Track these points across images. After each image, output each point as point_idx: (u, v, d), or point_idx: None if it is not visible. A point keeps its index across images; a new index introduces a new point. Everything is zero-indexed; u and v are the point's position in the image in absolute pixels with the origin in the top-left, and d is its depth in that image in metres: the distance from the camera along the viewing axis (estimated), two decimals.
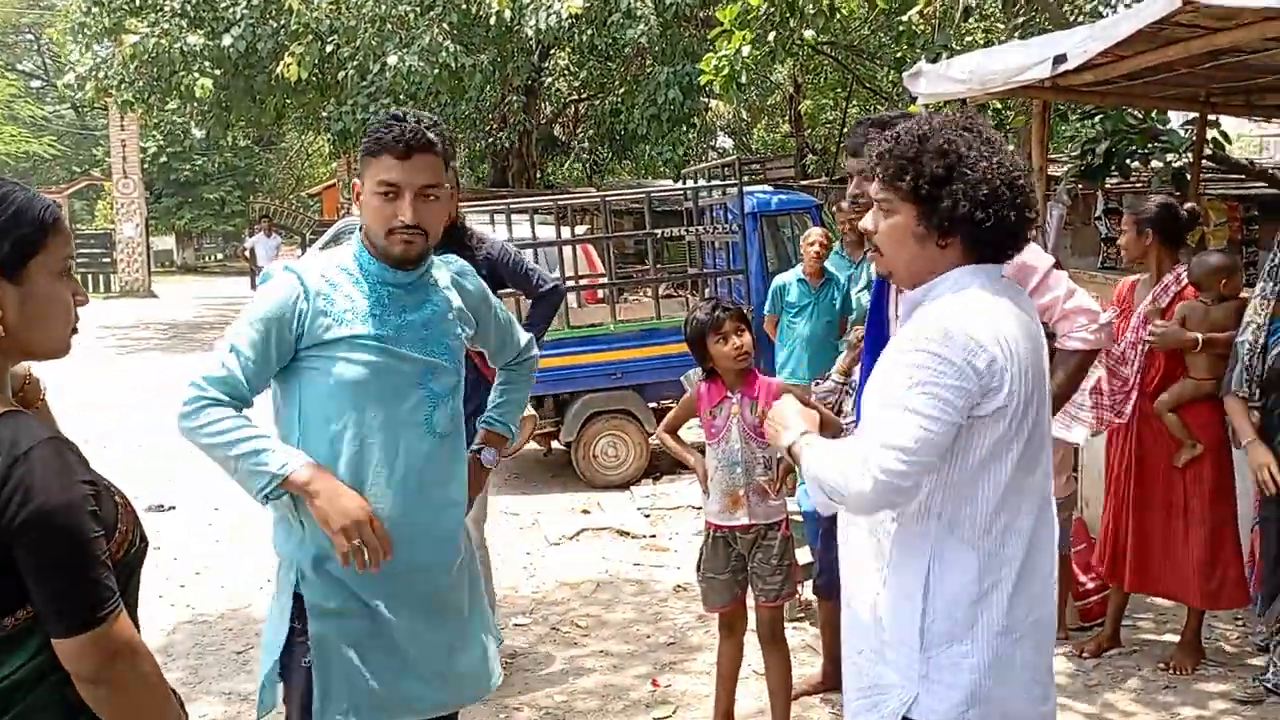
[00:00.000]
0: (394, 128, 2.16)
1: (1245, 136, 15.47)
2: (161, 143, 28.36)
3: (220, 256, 36.47)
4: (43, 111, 32.01)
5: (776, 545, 3.25)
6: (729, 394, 3.26)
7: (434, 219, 2.21)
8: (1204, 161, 7.03)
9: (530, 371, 2.67)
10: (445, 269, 2.38)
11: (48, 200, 1.47)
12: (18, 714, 1.38)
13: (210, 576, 5.08)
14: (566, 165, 20.50)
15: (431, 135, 2.18)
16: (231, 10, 12.55)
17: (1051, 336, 2.69)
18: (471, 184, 18.81)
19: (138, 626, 1.50)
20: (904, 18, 7.19)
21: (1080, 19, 8.56)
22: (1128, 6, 9.67)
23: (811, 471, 1.83)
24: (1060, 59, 4.60)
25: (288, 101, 14.85)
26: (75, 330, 1.53)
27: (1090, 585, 4.37)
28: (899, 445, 1.68)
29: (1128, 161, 7.50)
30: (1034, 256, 2.58)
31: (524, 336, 2.63)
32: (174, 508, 6.34)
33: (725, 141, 25.20)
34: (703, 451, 3.36)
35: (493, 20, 11.49)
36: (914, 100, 5.90)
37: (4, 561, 1.34)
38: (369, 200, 2.19)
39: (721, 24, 7.50)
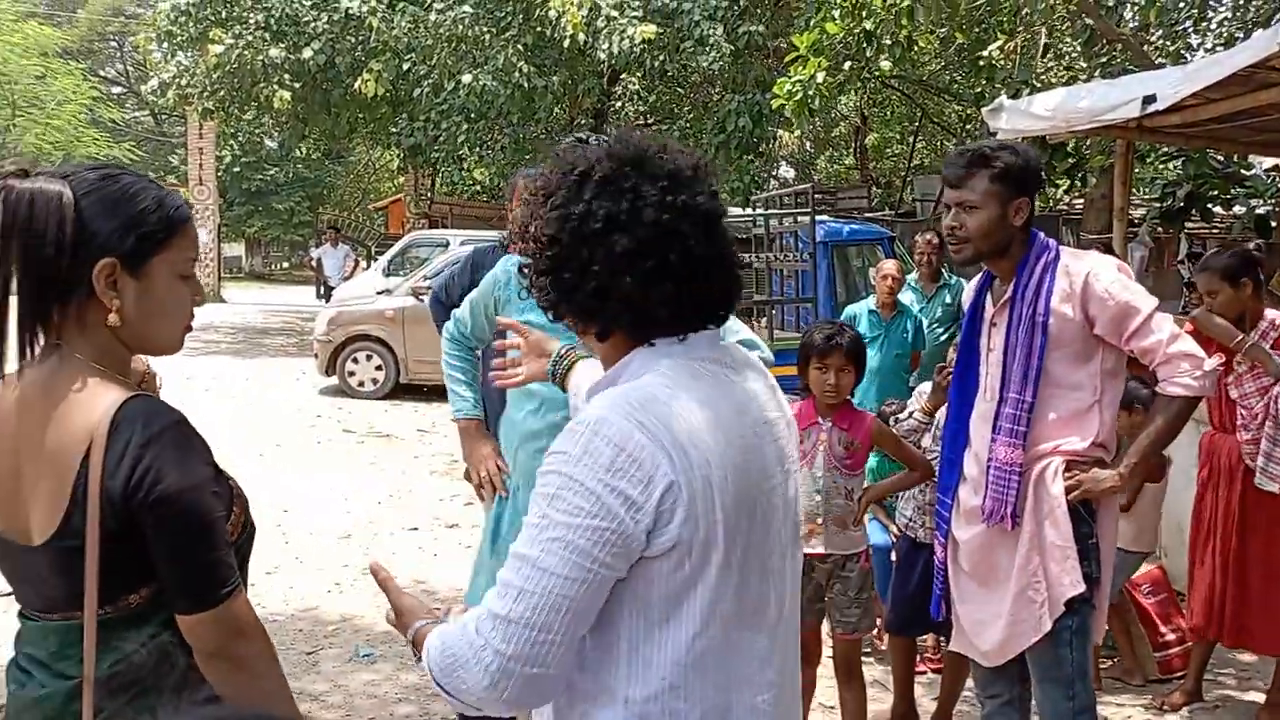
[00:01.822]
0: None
1: None
2: (236, 152, 29.05)
3: (286, 265, 37.22)
4: (123, 117, 32.97)
5: (855, 577, 3.22)
6: (819, 420, 3.24)
7: None
8: None
9: None
10: None
11: (180, 200, 1.51)
12: (141, 690, 1.41)
13: (280, 577, 5.16)
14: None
15: None
16: (313, 25, 12.87)
17: (1152, 380, 2.66)
18: None
19: None
20: (984, 53, 7.15)
21: (1161, 59, 8.46)
22: (1210, 51, 9.55)
23: (432, 673, 1.32)
24: (1150, 99, 4.56)
25: (361, 116, 15.15)
26: (189, 329, 1.57)
27: (1171, 636, 4.27)
28: (514, 618, 1.23)
29: (1209, 206, 7.37)
30: (1138, 297, 2.53)
31: (736, 339, 2.73)
32: None
33: (787, 171, 25.19)
34: None
35: (566, 43, 11.63)
36: (993, 134, 5.87)
37: (134, 540, 1.38)
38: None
39: (797, 49, 7.53)
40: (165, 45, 14.51)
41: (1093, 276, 2.53)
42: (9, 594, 1.51)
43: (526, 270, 1.42)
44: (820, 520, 3.20)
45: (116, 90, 36.25)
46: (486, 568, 2.73)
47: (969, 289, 2.92)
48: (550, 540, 1.23)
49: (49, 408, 1.40)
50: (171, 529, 1.38)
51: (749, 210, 10.04)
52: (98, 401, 1.39)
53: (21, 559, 1.44)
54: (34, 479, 1.40)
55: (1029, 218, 2.64)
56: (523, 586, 1.23)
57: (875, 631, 3.44)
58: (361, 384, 10.63)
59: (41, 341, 1.45)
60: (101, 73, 35.42)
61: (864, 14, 6.65)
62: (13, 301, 1.43)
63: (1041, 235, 2.67)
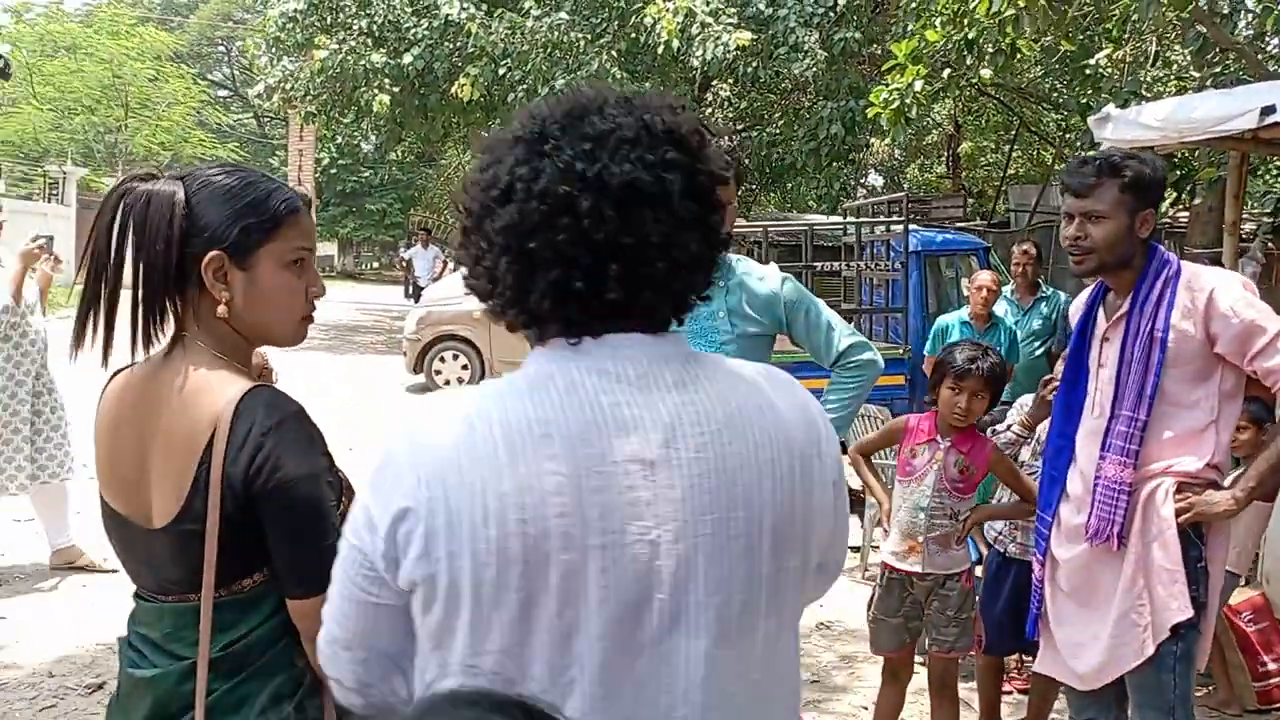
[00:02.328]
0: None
1: None
2: (334, 154, 29.88)
3: (377, 265, 38.10)
4: (228, 120, 34.16)
5: (955, 596, 3.16)
6: (938, 438, 3.16)
7: None
8: None
9: (857, 376, 2.71)
10: (740, 272, 2.63)
11: (290, 194, 1.54)
12: (252, 673, 1.46)
13: None
14: None
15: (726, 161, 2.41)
16: (413, 31, 13.16)
17: (1271, 401, 2.56)
18: None
19: None
20: (1090, 61, 6.97)
21: (1277, 69, 8.13)
22: None
23: None
24: (1269, 110, 4.39)
25: (455, 120, 15.43)
26: (307, 320, 1.59)
27: (1271, 666, 4.10)
28: (327, 624, 1.15)
29: None
30: (1264, 316, 2.44)
31: (847, 340, 2.71)
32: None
33: (876, 179, 24.87)
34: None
35: (660, 49, 11.69)
36: (1095, 145, 5.71)
37: (250, 526, 1.43)
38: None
39: (895, 57, 7.44)
40: (272, 50, 15.01)
41: (1217, 293, 2.46)
42: (114, 570, 1.58)
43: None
44: (921, 539, 3.13)
45: (223, 93, 37.60)
46: None
47: (1078, 302, 2.85)
48: (340, 557, 1.13)
49: (174, 395, 1.46)
50: (288, 515, 1.43)
51: (839, 218, 9.95)
52: (222, 390, 1.44)
53: (141, 542, 1.50)
54: (158, 464, 1.46)
55: (1152, 230, 2.58)
56: (330, 595, 1.14)
57: (974, 651, 3.36)
58: (448, 382, 10.86)
59: (160, 333, 1.51)
60: (209, 76, 36.78)
61: (966, 22, 6.53)
62: (128, 296, 1.50)
63: (1161, 249, 2.60)
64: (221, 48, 38.28)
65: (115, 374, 1.56)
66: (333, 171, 30.92)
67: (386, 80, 13.31)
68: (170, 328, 1.53)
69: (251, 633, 1.46)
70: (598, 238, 1.05)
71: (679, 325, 1.16)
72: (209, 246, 1.47)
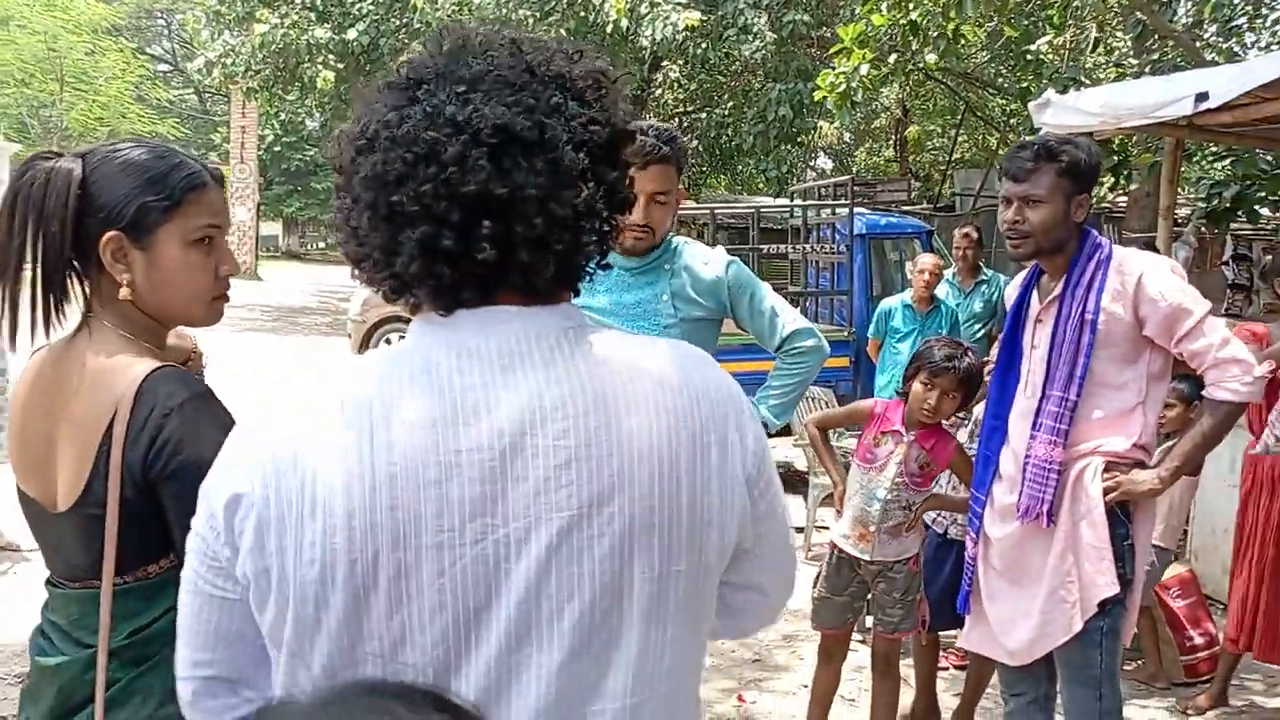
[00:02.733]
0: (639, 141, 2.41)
1: None
2: (278, 131, 29.35)
3: (323, 245, 37.57)
4: (168, 95, 33.39)
5: (901, 579, 3.18)
6: (903, 430, 3.15)
7: (661, 220, 2.53)
8: None
9: (800, 362, 2.70)
10: (686, 256, 2.64)
11: (194, 169, 1.48)
12: (155, 663, 1.41)
13: None
14: None
15: (666, 149, 2.44)
16: (358, 6, 12.94)
17: (1200, 384, 2.62)
18: None
19: None
20: (1031, 47, 7.06)
21: (1213, 56, 8.31)
22: (1264, 49, 9.36)
23: None
24: (1203, 97, 4.48)
25: None
26: (221, 299, 1.53)
27: (1199, 641, 4.22)
28: (180, 648, 1.05)
29: (1256, 207, 7.25)
30: (1191, 300, 2.49)
31: (791, 325, 2.70)
32: None
33: (825, 162, 25.02)
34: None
35: (609, 28, 11.61)
36: (1035, 131, 5.79)
37: (153, 511, 1.39)
38: (646, 211, 2.50)
39: (841, 41, 7.47)
40: (213, 24, 14.67)
41: (1147, 277, 2.50)
42: (35, 550, 1.54)
43: None
44: (873, 529, 3.14)
45: (163, 68, 36.68)
46: None
47: (1014, 285, 2.89)
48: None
49: (77, 377, 1.42)
50: (188, 499, 1.37)
51: (786, 201, 9.99)
52: (125, 372, 1.40)
53: (49, 525, 1.47)
54: (63, 446, 1.42)
55: (1087, 215, 2.62)
56: (181, 602, 1.03)
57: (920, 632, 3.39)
58: None
59: (61, 315, 1.47)
60: (149, 50, 35.87)
61: (911, 6, 6.57)
62: (28, 276, 1.45)
63: (1094, 233, 2.64)
64: (161, 21, 37.30)
65: (35, 353, 1.52)
66: (277, 149, 30.39)
67: (331, 56, 13.09)
68: (74, 309, 1.49)
69: (156, 621, 1.42)
70: (466, 190, 0.93)
71: (574, 295, 1.05)
72: (106, 226, 1.43)
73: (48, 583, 1.52)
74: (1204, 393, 2.56)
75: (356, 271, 1.02)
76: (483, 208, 0.94)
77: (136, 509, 1.38)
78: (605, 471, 0.95)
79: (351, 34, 12.84)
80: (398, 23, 13.04)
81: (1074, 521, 2.56)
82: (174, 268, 1.46)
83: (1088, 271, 2.56)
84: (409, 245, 0.95)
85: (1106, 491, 2.53)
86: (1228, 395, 2.48)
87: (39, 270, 1.44)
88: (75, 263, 1.46)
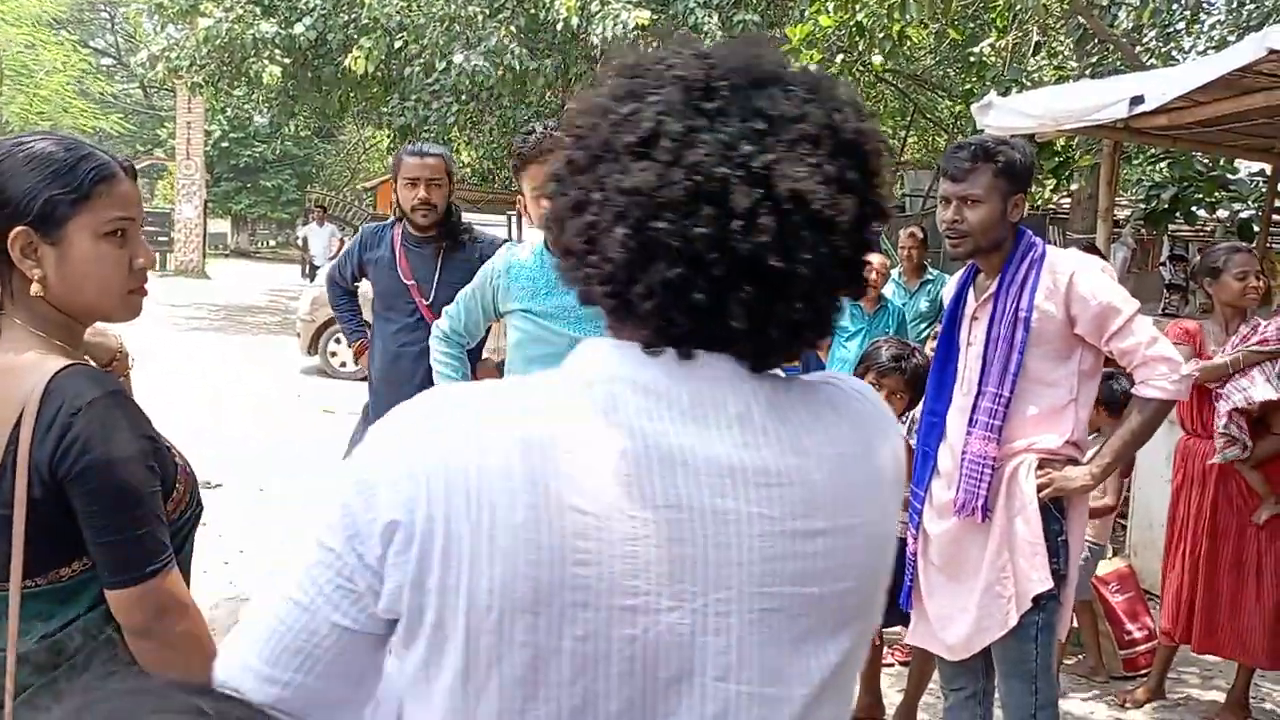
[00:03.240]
0: (528, 139, 2.52)
1: None
2: (225, 127, 28.89)
3: (273, 243, 37.06)
4: (112, 89, 32.71)
5: None
6: None
7: None
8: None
9: None
10: None
11: (102, 160, 1.44)
12: (66, 670, 1.39)
13: (253, 555, 5.14)
14: None
15: (558, 133, 2.43)
16: (305, 1, 12.77)
17: (1129, 381, 2.67)
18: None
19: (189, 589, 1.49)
20: (975, 50, 7.16)
21: (1152, 61, 8.48)
22: (1201, 54, 9.58)
23: None
24: (1137, 100, 4.56)
25: (351, 94, 15.05)
26: (138, 293, 1.50)
27: (1137, 635, 4.30)
28: (248, 645, 0.88)
29: (1193, 209, 7.41)
30: (1120, 299, 2.55)
31: None
32: (220, 485, 6.43)
33: None
34: None
35: (559, 26, 11.58)
36: (979, 131, 5.87)
37: (63, 511, 1.36)
38: (533, 206, 2.60)
39: (790, 42, 7.52)
40: (156, 17, 14.40)
41: (1077, 276, 2.55)
42: None
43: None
44: None
45: (106, 62, 35.93)
46: None
47: (950, 283, 2.93)
48: (303, 563, 0.88)
49: None
50: (97, 501, 1.35)
51: None
52: (33, 370, 1.37)
53: None
54: None
55: (1023, 214, 2.66)
56: (265, 606, 0.89)
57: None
58: (343, 364, 10.60)
59: None
60: (92, 44, 35.11)
61: (857, 7, 6.63)
62: None
63: (1029, 233, 2.68)
64: (105, 13, 36.53)
65: None
66: (224, 145, 29.92)
67: (277, 51, 12.88)
68: None
69: (69, 625, 1.39)
70: (742, 248, 0.81)
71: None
72: (13, 222, 1.39)
73: None
74: (1133, 390, 2.62)
75: (563, 268, 0.91)
76: (749, 273, 0.82)
77: (46, 509, 1.35)
78: (809, 548, 0.86)
79: (298, 29, 12.66)
80: (345, 18, 12.88)
81: (1009, 517, 2.59)
82: (85, 261, 1.42)
83: (1022, 270, 2.60)
84: (655, 280, 0.83)
85: (1040, 488, 2.57)
86: (1156, 393, 2.54)
87: None
88: None
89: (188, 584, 1.51)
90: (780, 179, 0.81)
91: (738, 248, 0.81)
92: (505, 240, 3.69)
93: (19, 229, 1.39)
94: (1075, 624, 3.86)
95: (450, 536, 0.81)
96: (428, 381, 3.42)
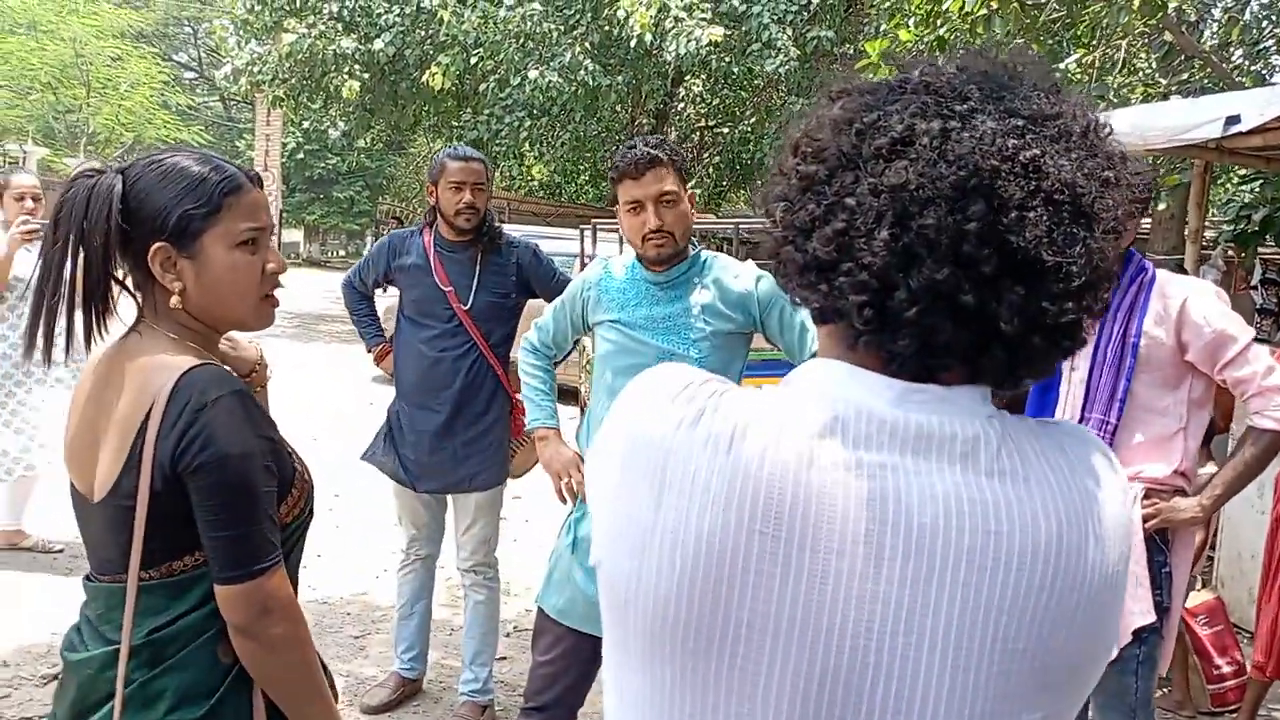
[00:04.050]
0: (628, 154, 2.53)
1: None
2: (301, 140, 29.57)
3: (343, 253, 37.78)
4: (194, 102, 33.69)
5: None
6: None
7: (675, 222, 2.57)
8: None
9: None
10: (716, 269, 2.68)
11: (229, 172, 1.49)
12: (170, 665, 1.42)
13: (331, 560, 5.23)
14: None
15: (657, 153, 2.51)
16: (385, 17, 13.05)
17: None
18: (593, 201, 19.05)
19: (296, 593, 1.52)
20: (1060, 65, 7.04)
21: (1241, 79, 8.27)
22: None
23: None
24: (1234, 119, 4.45)
25: (426, 108, 15.33)
26: (270, 300, 1.55)
27: (1226, 669, 4.17)
28: None
29: None
30: (1235, 326, 2.48)
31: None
32: None
33: None
34: None
35: (633, 43, 11.67)
36: None
37: (181, 505, 1.40)
38: (623, 218, 2.61)
39: (867, 55, 7.47)
40: (240, 33, 14.81)
41: (1190, 302, 2.48)
42: (60, 551, 1.52)
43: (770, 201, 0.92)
44: None
45: (189, 76, 37.04)
46: (564, 569, 2.69)
47: None
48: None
49: (124, 374, 1.44)
50: (212, 495, 1.38)
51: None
52: (164, 369, 1.42)
53: (86, 517, 1.49)
54: (105, 440, 1.44)
55: (1132, 237, 2.61)
56: None
57: None
58: None
59: (103, 329, 1.49)
60: (175, 58, 36.23)
61: (939, 22, 6.57)
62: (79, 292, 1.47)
63: (1138, 255, 2.63)
64: (188, 28, 37.70)
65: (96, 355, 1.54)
66: (299, 157, 30.61)
67: (356, 66, 13.20)
68: (116, 322, 1.51)
69: (178, 620, 1.42)
70: (1016, 241, 0.77)
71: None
72: (152, 238, 1.44)
73: (85, 577, 1.53)
74: (1249, 421, 2.53)
75: (801, 285, 0.85)
76: (1019, 270, 0.78)
77: (165, 503, 1.39)
78: (1021, 602, 0.80)
79: (377, 45, 12.95)
80: (423, 34, 13.15)
81: None
82: (221, 271, 1.47)
83: (1130, 293, 2.54)
84: (921, 282, 0.78)
85: (1146, 519, 2.51)
86: (1273, 424, 2.45)
87: (81, 285, 1.46)
88: (128, 274, 1.48)
89: (295, 588, 1.54)
90: (1050, 170, 0.78)
91: (1011, 241, 0.77)
92: (535, 242, 3.70)
93: (158, 245, 1.44)
94: None
95: (680, 535, 0.80)
96: (468, 386, 3.44)
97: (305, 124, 24.06)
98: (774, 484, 0.78)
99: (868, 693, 0.79)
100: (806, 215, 0.83)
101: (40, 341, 1.46)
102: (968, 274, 0.77)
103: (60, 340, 1.47)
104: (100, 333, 1.49)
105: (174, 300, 1.45)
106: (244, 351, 1.74)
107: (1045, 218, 0.78)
